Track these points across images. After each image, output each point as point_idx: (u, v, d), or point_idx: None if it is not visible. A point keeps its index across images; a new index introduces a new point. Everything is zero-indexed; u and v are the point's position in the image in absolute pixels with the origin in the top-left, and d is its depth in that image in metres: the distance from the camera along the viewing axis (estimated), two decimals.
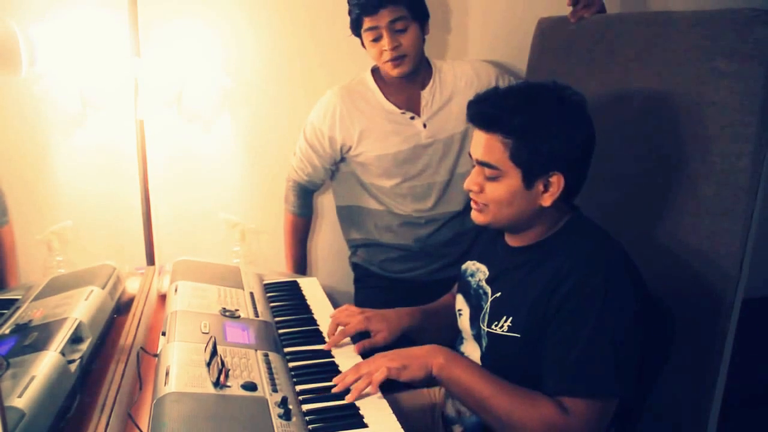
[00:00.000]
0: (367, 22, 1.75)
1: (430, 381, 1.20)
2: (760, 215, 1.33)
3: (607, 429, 1.25)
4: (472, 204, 1.27)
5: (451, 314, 1.45)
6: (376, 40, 1.76)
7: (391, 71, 1.79)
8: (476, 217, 1.27)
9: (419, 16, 1.78)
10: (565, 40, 1.85)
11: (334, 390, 1.19)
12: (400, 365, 1.17)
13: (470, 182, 1.25)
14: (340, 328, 1.41)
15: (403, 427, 1.10)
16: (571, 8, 1.83)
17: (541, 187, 1.19)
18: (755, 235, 1.33)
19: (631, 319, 1.14)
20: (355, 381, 1.18)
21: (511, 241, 1.31)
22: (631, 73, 1.59)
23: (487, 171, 1.21)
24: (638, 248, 1.33)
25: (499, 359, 1.25)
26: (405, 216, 1.91)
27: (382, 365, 1.17)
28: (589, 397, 1.12)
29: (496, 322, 1.24)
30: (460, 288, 1.42)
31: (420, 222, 1.92)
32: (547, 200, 1.20)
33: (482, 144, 1.21)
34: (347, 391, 1.18)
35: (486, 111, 1.21)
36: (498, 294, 1.27)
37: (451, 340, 1.46)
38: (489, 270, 1.33)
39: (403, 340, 1.42)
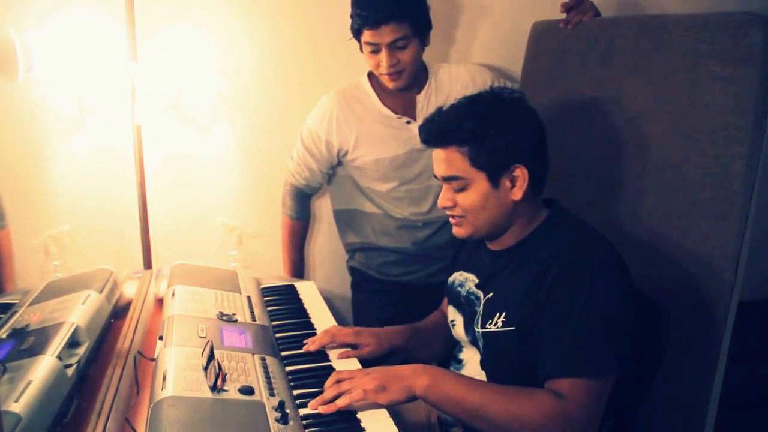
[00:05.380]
0: (367, 35, 1.72)
1: (413, 400, 1.19)
2: (755, 218, 1.33)
3: (603, 424, 1.26)
4: (451, 220, 1.31)
5: (442, 330, 1.47)
6: (375, 52, 1.75)
7: (387, 84, 1.81)
8: (457, 231, 1.31)
9: (421, 31, 1.76)
10: (560, 44, 1.85)
11: (310, 405, 1.17)
12: (379, 387, 1.16)
13: (442, 200, 1.30)
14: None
15: None
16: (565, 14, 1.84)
17: (508, 183, 1.24)
18: (750, 238, 1.33)
19: (620, 298, 1.17)
20: (335, 396, 1.17)
21: (494, 246, 1.33)
22: (625, 76, 1.60)
23: (455, 184, 1.26)
24: (634, 252, 1.33)
25: (497, 356, 1.27)
26: (402, 219, 1.92)
27: (361, 387, 1.16)
28: (585, 376, 1.13)
29: (489, 321, 1.26)
30: (450, 300, 1.44)
31: (417, 225, 1.92)
32: (517, 194, 1.24)
33: (442, 160, 1.26)
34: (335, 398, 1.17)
35: (436, 128, 1.26)
36: (490, 295, 1.29)
37: (444, 355, 1.48)
38: (477, 277, 1.35)
39: (393, 357, 1.44)
